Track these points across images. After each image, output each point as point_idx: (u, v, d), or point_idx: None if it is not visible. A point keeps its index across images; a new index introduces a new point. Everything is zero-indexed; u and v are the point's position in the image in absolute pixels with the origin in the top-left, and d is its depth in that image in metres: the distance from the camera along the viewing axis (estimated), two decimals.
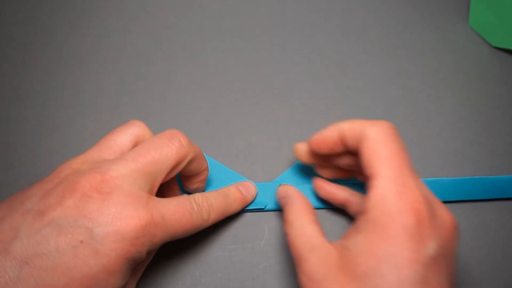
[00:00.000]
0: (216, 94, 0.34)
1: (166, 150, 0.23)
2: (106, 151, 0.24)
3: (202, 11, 0.39)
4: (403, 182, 0.21)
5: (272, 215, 0.29)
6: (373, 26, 0.38)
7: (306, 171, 0.30)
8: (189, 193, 0.28)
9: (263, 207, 0.29)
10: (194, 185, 0.27)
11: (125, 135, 0.24)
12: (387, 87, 0.35)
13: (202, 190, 0.28)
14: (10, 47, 0.36)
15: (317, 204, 0.29)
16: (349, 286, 0.20)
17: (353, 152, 0.25)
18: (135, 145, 0.24)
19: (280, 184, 0.28)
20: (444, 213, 0.21)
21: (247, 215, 0.29)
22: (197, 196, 0.25)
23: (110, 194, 0.21)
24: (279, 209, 0.29)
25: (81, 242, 0.20)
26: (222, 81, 0.35)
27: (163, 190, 0.27)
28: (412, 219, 0.20)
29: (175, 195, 0.28)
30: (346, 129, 0.24)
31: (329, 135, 0.25)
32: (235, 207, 0.28)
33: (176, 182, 0.28)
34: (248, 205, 0.29)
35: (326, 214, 0.29)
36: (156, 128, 0.33)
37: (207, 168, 0.27)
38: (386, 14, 0.38)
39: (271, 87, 0.35)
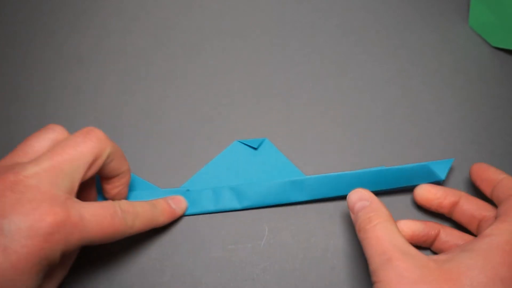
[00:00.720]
0: (216, 94, 0.34)
1: (82, 146, 0.23)
2: (22, 156, 0.23)
3: (202, 11, 0.39)
4: None
5: (272, 215, 0.29)
6: (373, 26, 0.38)
7: (215, 174, 0.30)
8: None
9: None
10: (115, 189, 0.26)
11: (44, 140, 0.24)
12: (387, 87, 0.35)
13: (125, 197, 0.27)
14: (10, 47, 0.36)
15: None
16: None
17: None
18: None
19: (353, 190, 0.27)
20: None
21: (247, 215, 0.29)
22: (123, 202, 0.24)
23: (25, 193, 0.20)
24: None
25: None
26: (222, 81, 0.35)
27: (80, 197, 0.26)
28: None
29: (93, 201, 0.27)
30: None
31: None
32: (162, 219, 0.27)
33: (95, 189, 0.27)
34: (177, 218, 0.28)
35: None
36: (156, 128, 0.33)
37: (128, 171, 0.26)
38: (386, 14, 0.38)
39: (271, 87, 0.35)
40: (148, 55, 0.36)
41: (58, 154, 0.22)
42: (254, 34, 0.37)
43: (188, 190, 0.29)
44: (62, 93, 0.34)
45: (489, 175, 0.27)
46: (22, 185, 0.20)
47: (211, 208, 0.29)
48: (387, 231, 0.22)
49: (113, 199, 0.27)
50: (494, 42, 0.36)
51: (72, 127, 0.32)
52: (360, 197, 0.25)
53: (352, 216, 0.25)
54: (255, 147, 0.31)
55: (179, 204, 0.28)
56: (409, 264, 0.20)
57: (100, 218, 0.22)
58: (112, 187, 0.26)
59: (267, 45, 0.37)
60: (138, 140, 0.32)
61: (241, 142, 0.31)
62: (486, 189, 0.27)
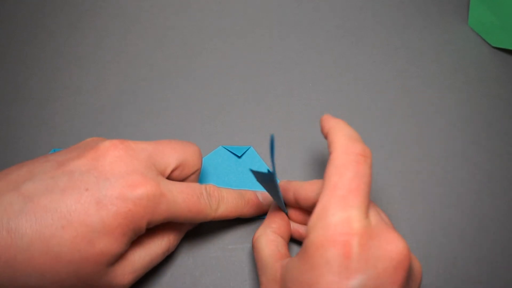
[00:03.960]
0: (216, 95, 0.34)
1: (188, 146, 0.25)
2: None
3: (202, 11, 0.39)
4: (338, 213, 0.20)
5: None
6: (373, 27, 0.38)
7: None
8: None
9: None
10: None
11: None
12: (387, 87, 0.35)
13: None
14: (11, 47, 0.36)
15: None
16: None
17: None
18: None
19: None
20: (390, 247, 0.19)
21: None
22: (209, 185, 0.25)
23: (125, 158, 0.22)
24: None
25: (86, 189, 0.21)
26: (222, 81, 0.35)
27: None
28: (335, 252, 0.19)
29: None
30: None
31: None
32: (247, 209, 0.27)
33: None
34: (263, 213, 0.28)
35: None
36: (156, 128, 0.33)
37: (198, 172, 0.27)
38: (386, 15, 0.38)
39: (271, 87, 0.35)
40: (148, 56, 0.36)
41: (165, 142, 0.24)
42: (254, 34, 0.37)
43: None
44: (62, 93, 0.34)
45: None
46: (125, 146, 0.22)
47: None
48: (259, 250, 0.24)
49: None
50: (494, 42, 0.36)
51: (72, 127, 0.33)
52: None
53: None
54: (239, 155, 0.31)
55: (266, 199, 0.28)
56: (265, 285, 0.23)
57: (186, 196, 0.23)
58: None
59: (267, 45, 0.37)
60: (137, 139, 0.32)
61: (226, 149, 0.31)
62: None
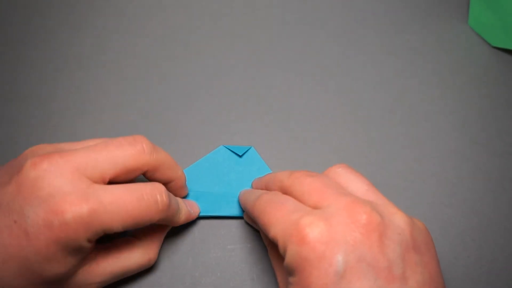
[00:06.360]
0: (215, 95, 0.34)
1: (122, 150, 0.23)
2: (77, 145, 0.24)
3: (201, 11, 0.39)
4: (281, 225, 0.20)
5: None
6: (373, 26, 0.38)
7: (196, 177, 0.30)
8: None
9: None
10: (170, 190, 0.26)
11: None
12: (387, 87, 0.35)
13: (182, 197, 0.28)
14: (11, 48, 0.36)
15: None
16: None
17: None
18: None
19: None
20: (348, 217, 0.19)
21: None
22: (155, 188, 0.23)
23: (47, 171, 0.21)
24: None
25: (15, 221, 0.20)
26: (222, 81, 0.35)
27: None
28: (298, 249, 0.19)
29: None
30: None
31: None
32: (181, 218, 0.26)
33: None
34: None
35: None
36: (156, 128, 0.33)
37: (179, 179, 0.26)
38: (386, 14, 0.38)
39: (271, 87, 0.35)
40: (148, 56, 0.36)
41: (101, 146, 0.22)
42: (254, 34, 0.37)
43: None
44: (62, 93, 0.34)
45: None
46: (48, 166, 0.21)
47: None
48: None
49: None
50: (494, 42, 0.36)
51: (72, 127, 0.33)
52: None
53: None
54: (240, 154, 0.31)
55: (193, 207, 0.28)
56: None
57: (123, 202, 0.21)
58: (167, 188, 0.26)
59: (267, 45, 0.37)
60: None
61: (227, 148, 0.31)
62: None
